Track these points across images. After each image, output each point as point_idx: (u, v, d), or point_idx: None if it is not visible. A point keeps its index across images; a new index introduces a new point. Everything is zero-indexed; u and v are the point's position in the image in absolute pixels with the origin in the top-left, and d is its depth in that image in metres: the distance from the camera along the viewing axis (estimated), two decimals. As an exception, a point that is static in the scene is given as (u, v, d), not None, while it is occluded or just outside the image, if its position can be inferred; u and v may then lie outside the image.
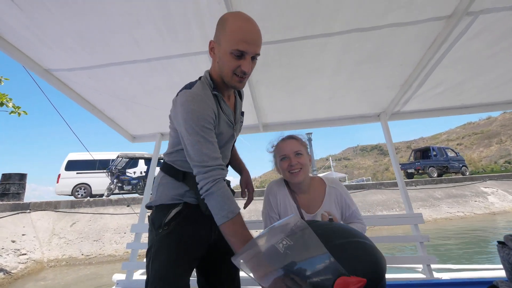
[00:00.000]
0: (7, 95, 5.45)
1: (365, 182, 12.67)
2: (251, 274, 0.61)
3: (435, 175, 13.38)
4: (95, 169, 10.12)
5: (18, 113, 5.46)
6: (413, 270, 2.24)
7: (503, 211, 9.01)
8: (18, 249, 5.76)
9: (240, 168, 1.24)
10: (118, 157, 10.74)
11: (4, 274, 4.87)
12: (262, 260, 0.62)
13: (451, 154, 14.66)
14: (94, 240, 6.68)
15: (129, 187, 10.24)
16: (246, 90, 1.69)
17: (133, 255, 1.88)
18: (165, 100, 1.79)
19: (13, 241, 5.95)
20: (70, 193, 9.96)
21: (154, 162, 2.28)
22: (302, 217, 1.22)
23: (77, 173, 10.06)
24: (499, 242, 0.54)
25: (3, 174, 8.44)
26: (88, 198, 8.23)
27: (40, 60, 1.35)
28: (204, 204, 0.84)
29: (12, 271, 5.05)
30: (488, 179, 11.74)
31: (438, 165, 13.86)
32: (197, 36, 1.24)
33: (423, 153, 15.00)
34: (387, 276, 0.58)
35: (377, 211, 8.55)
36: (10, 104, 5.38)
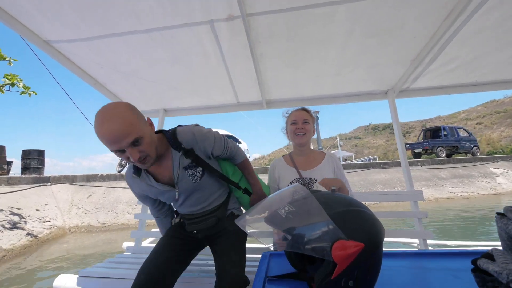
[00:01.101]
0: (17, 76, 5.49)
1: (371, 161, 12.61)
2: (254, 235, 0.65)
3: (444, 155, 13.08)
4: None
5: (29, 93, 5.54)
6: (409, 246, 2.30)
7: (510, 192, 8.83)
8: (43, 217, 6.21)
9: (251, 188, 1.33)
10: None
11: (31, 237, 5.31)
12: (265, 223, 0.65)
13: (463, 134, 14.16)
14: (108, 211, 7.09)
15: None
16: (249, 65, 1.61)
17: (141, 225, 1.93)
18: (167, 74, 1.74)
19: (38, 210, 6.39)
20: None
21: None
22: (299, 173, 1.41)
23: None
24: (498, 213, 0.54)
25: (23, 150, 8.82)
26: (102, 173, 8.59)
27: (39, 31, 1.29)
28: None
29: (39, 235, 5.49)
30: (500, 160, 11.43)
31: (448, 145, 13.44)
32: (198, 6, 1.15)
33: (434, 133, 14.53)
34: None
35: (378, 190, 8.61)
36: (21, 85, 5.44)
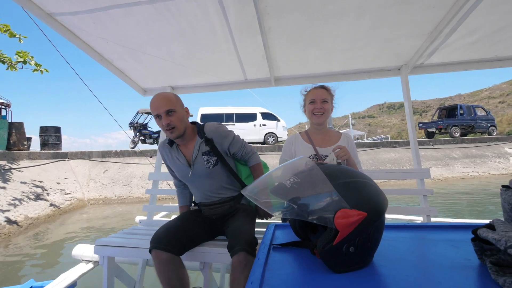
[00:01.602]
0: (28, 53, 5.49)
1: (382, 141, 12.41)
2: (259, 204, 0.67)
3: (458, 134, 12.64)
4: (223, 122, 11.15)
5: (41, 71, 5.57)
6: (413, 223, 2.34)
7: (522, 172, 8.69)
8: (63, 189, 6.60)
9: None
10: (138, 112, 11.14)
11: (54, 207, 5.70)
12: (270, 193, 0.68)
13: (480, 112, 13.48)
14: (124, 185, 7.43)
15: (151, 141, 10.84)
16: (257, 40, 1.55)
17: (152, 199, 2.01)
18: (173, 51, 1.69)
19: (58, 183, 6.78)
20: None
21: None
22: (315, 150, 1.43)
23: None
24: (503, 186, 0.54)
25: (41, 127, 9.11)
26: (116, 150, 8.87)
27: (41, 3, 1.25)
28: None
29: (61, 206, 5.89)
30: (517, 140, 11.03)
31: (463, 124, 12.89)
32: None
33: (450, 112, 13.93)
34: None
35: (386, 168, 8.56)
36: (33, 62, 5.47)
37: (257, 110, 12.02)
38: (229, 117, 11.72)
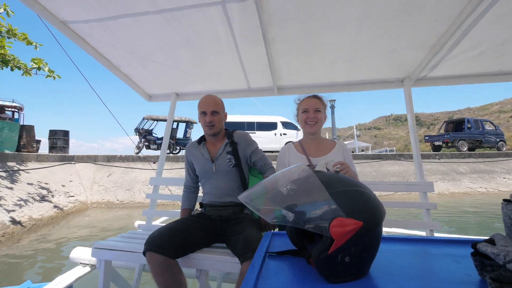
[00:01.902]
0: (43, 60, 5.70)
1: (387, 153, 12.27)
2: (256, 211, 0.67)
3: (465, 149, 12.38)
4: (244, 130, 11.30)
5: (53, 77, 5.76)
6: (413, 236, 2.27)
7: (533, 190, 8.42)
8: (67, 192, 6.66)
9: None
10: (144, 119, 11.32)
11: (58, 209, 5.74)
12: (266, 200, 0.67)
13: (489, 127, 13.23)
14: (126, 189, 7.47)
15: (155, 146, 10.94)
16: (261, 49, 1.58)
17: (152, 204, 2.00)
18: (179, 58, 1.73)
19: (63, 186, 6.85)
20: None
21: (169, 122, 2.24)
22: (309, 160, 1.42)
23: None
24: (504, 200, 0.53)
25: (50, 130, 9.32)
26: (121, 154, 8.97)
27: (56, 11, 1.31)
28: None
29: (64, 208, 5.92)
30: (529, 156, 10.75)
31: (471, 138, 12.63)
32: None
33: (457, 125, 13.70)
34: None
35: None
36: (46, 69, 5.66)
37: (278, 119, 12.14)
38: (250, 126, 11.87)
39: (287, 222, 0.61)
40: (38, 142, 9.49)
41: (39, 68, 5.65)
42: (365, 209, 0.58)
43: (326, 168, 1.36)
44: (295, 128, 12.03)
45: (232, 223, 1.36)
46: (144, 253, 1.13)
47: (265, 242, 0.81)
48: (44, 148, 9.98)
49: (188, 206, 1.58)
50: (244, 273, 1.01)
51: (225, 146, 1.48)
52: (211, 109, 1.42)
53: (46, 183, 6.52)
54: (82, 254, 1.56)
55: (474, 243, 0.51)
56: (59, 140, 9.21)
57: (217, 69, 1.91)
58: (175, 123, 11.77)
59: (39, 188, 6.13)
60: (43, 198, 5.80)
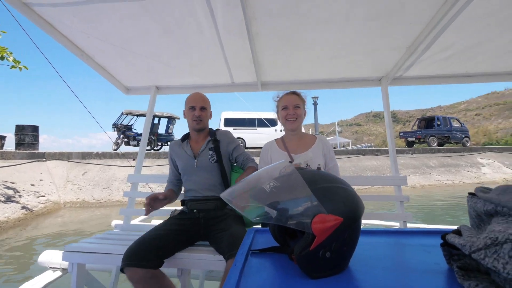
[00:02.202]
0: (6, 49, 5.17)
1: (366, 148, 12.83)
2: (238, 209, 0.66)
3: (435, 144, 13.33)
4: (245, 126, 11.52)
5: (19, 67, 5.27)
6: (388, 228, 2.41)
7: (492, 181, 9.12)
8: (37, 192, 6.21)
9: None
10: (122, 114, 10.83)
11: (26, 210, 5.34)
12: (249, 197, 0.67)
13: (455, 124, 14.37)
14: (103, 188, 7.12)
15: (135, 142, 10.53)
16: (245, 44, 1.55)
17: (130, 203, 1.91)
18: (159, 49, 1.65)
19: (32, 185, 6.37)
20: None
21: (149, 117, 2.15)
22: (290, 157, 1.43)
23: (233, 129, 11.10)
24: (470, 193, 0.56)
25: (16, 125, 8.61)
26: (97, 151, 8.52)
27: None
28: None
29: (33, 209, 5.53)
30: (487, 151, 11.72)
31: (440, 134, 13.66)
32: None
33: (428, 122, 14.69)
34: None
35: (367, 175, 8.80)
36: (11, 58, 5.15)
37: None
38: (251, 122, 11.95)
39: (270, 220, 0.62)
40: (3, 138, 8.73)
41: (2, 58, 5.14)
42: (345, 205, 0.59)
43: (307, 164, 1.39)
44: None
45: (216, 220, 1.35)
46: (122, 270, 1.06)
47: (248, 240, 0.80)
48: (10, 145, 9.19)
49: (172, 187, 1.57)
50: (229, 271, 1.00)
51: (208, 143, 1.51)
52: (200, 105, 1.47)
53: (13, 183, 6.03)
54: (52, 257, 1.46)
55: (443, 234, 0.54)
56: (27, 136, 8.53)
57: (199, 62, 1.85)
58: (157, 119, 11.39)
59: (4, 188, 5.65)
60: (8, 199, 5.37)
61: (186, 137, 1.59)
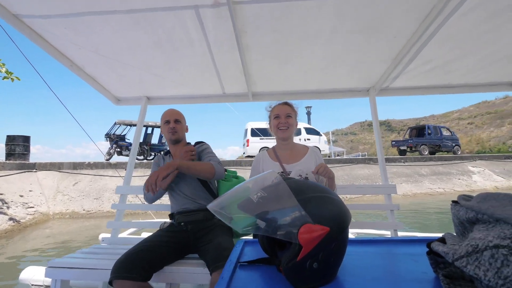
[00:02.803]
0: (0, 60, 5.15)
1: (358, 157, 12.95)
2: (225, 220, 0.64)
3: (426, 153, 13.52)
4: (271, 136, 10.95)
5: (11, 78, 5.21)
6: (376, 237, 2.39)
7: (482, 189, 9.26)
8: (26, 203, 5.99)
9: None
10: (115, 123, 10.72)
11: (14, 222, 5.11)
12: (237, 208, 0.65)
13: (446, 133, 14.67)
14: (94, 198, 6.92)
15: (127, 152, 10.37)
16: (235, 55, 1.58)
17: (118, 215, 1.86)
18: (149, 61, 1.66)
19: (21, 196, 6.15)
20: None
21: (139, 127, 2.12)
22: (282, 167, 1.42)
23: (260, 138, 11.21)
24: (453, 201, 0.57)
25: (7, 136, 8.40)
26: (89, 161, 8.35)
27: (7, 3, 1.17)
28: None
29: (21, 221, 5.30)
30: (478, 159, 11.94)
31: (431, 143, 13.86)
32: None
33: (419, 131, 14.95)
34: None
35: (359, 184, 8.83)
36: (3, 70, 5.10)
37: (301, 125, 12.27)
38: None
39: (257, 231, 0.60)
40: (-9, 148, 8.48)
41: (-6, 69, 5.07)
42: (331, 214, 0.58)
43: (300, 175, 1.38)
44: (317, 133, 12.36)
45: (204, 231, 1.32)
46: (110, 283, 1.02)
47: (236, 252, 0.78)
48: (0, 156, 8.92)
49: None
50: (214, 284, 0.97)
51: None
52: (175, 118, 1.55)
53: (1, 194, 5.81)
54: (35, 274, 1.39)
55: (428, 243, 0.54)
56: (18, 146, 8.31)
57: (190, 73, 1.86)
58: (150, 129, 11.30)
59: (-10, 199, 5.44)
60: (-5, 211, 5.16)
61: (168, 151, 1.64)
